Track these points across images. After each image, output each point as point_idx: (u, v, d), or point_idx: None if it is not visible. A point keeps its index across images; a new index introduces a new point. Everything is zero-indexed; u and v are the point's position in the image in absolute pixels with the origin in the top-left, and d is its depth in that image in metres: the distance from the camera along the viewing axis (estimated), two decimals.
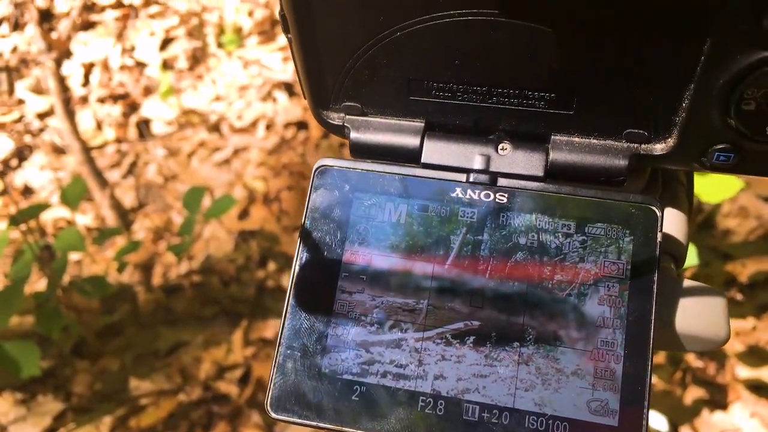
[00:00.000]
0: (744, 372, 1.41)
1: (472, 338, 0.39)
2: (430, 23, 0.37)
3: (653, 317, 0.37)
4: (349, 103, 0.43)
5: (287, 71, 2.20)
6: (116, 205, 1.92)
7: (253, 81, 2.19)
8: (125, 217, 1.93)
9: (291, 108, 2.10)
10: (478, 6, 0.36)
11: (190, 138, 2.10)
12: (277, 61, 2.23)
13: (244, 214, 1.89)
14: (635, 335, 0.37)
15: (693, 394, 1.40)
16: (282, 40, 2.29)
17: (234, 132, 2.09)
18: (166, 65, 2.30)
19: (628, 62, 0.36)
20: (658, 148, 0.40)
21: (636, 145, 0.40)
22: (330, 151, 1.98)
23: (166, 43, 2.38)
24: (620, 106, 0.39)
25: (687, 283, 0.42)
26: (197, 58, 2.31)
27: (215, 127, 2.11)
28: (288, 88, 2.16)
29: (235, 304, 1.72)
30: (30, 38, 2.42)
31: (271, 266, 1.78)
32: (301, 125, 2.06)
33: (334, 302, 0.40)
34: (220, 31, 2.36)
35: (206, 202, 1.82)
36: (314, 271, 0.41)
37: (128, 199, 1.99)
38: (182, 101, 2.18)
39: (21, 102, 2.29)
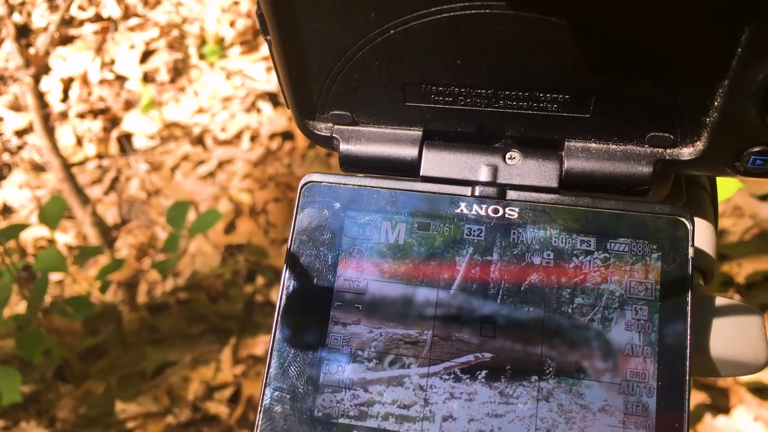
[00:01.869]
0: (746, 375, 1.38)
1: (483, 373, 0.34)
2: (429, 19, 0.33)
3: (689, 343, 0.33)
4: (338, 112, 0.38)
5: (271, 81, 2.16)
6: (98, 223, 1.87)
7: (237, 92, 2.15)
8: (108, 234, 1.88)
9: (276, 118, 2.06)
10: None
11: (173, 151, 2.05)
12: (261, 71, 2.18)
13: (230, 228, 1.85)
14: (669, 364, 0.33)
15: (694, 398, 1.37)
16: (266, 49, 2.25)
17: (218, 144, 2.04)
18: (147, 78, 2.25)
19: (653, 57, 0.32)
20: (686, 152, 0.36)
21: (661, 150, 0.36)
22: (317, 161, 1.93)
23: (146, 55, 2.34)
24: (643, 107, 0.34)
25: (719, 300, 0.38)
26: (179, 70, 2.27)
27: (199, 140, 2.06)
28: (272, 98, 2.12)
29: (223, 320, 1.67)
30: (7, 54, 2.37)
31: (260, 280, 1.73)
32: (287, 135, 2.02)
33: (326, 336, 0.36)
34: (202, 42, 2.31)
35: (191, 216, 1.77)
36: (303, 301, 0.36)
37: (110, 216, 1.94)
38: (164, 114, 2.13)
39: None
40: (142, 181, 2.00)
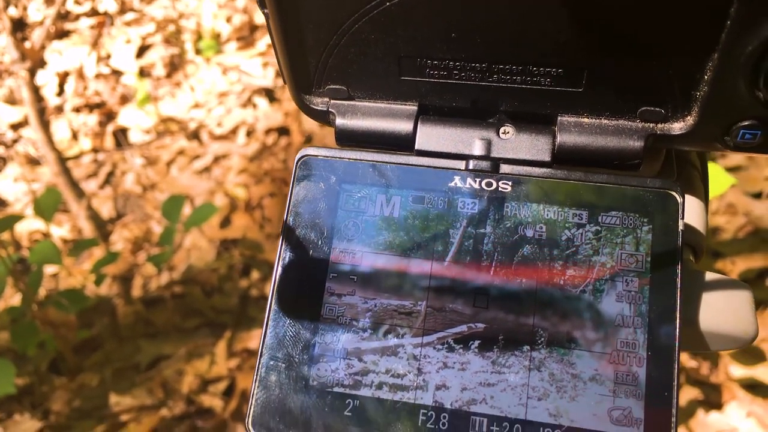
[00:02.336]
0: (738, 371, 1.38)
1: (476, 343, 0.35)
2: None
3: (678, 314, 0.34)
4: (334, 86, 0.39)
5: (267, 77, 2.16)
6: (93, 216, 1.87)
7: (233, 87, 2.15)
8: (103, 228, 1.88)
9: (272, 114, 2.06)
10: None
11: (169, 146, 2.05)
12: (257, 66, 2.18)
13: (225, 222, 1.85)
14: (659, 335, 0.34)
15: (687, 394, 1.37)
16: (261, 45, 2.25)
17: (214, 139, 2.04)
18: (143, 73, 2.25)
19: (644, 31, 0.33)
20: (677, 127, 0.36)
21: (652, 125, 0.36)
22: None
23: (142, 50, 2.34)
24: (634, 81, 0.35)
25: (709, 275, 0.38)
26: (175, 65, 2.27)
27: (194, 135, 2.06)
28: (268, 93, 2.12)
29: (218, 314, 1.67)
30: (2, 48, 2.36)
31: (255, 275, 1.73)
32: (283, 131, 2.02)
33: (321, 306, 0.36)
34: (198, 37, 2.31)
35: (186, 210, 1.77)
36: (299, 273, 0.37)
37: (106, 210, 1.93)
38: (160, 109, 2.13)
39: None
40: (138, 175, 2.00)
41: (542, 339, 0.34)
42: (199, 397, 1.53)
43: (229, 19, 2.34)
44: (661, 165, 0.41)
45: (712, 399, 1.38)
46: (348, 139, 0.40)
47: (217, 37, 2.30)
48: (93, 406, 1.55)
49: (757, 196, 1.58)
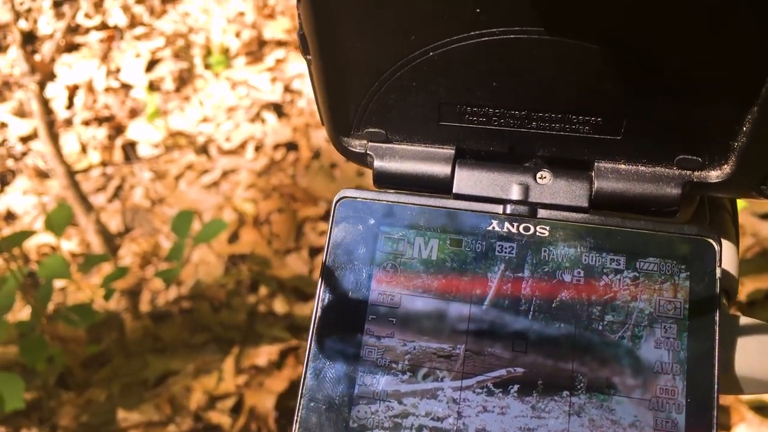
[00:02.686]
0: None
1: (516, 387, 0.35)
2: (468, 42, 0.34)
3: (717, 361, 0.34)
4: (373, 129, 0.39)
5: (276, 92, 2.17)
6: (102, 230, 1.87)
7: (242, 102, 2.16)
8: (111, 242, 1.88)
9: (280, 129, 2.07)
10: (521, 23, 0.32)
11: (178, 160, 2.06)
12: (266, 81, 2.19)
13: (233, 238, 1.85)
14: (697, 381, 0.34)
15: None
16: (270, 60, 2.26)
17: (222, 154, 2.05)
18: (153, 87, 2.26)
19: (684, 81, 0.33)
20: (713, 175, 0.37)
21: (689, 173, 0.37)
22: (321, 172, 1.94)
23: (152, 64, 2.35)
24: (673, 130, 0.35)
25: (743, 320, 0.38)
26: (184, 80, 2.28)
27: (203, 149, 2.07)
28: (277, 109, 2.13)
29: (225, 330, 1.67)
30: (13, 60, 2.38)
31: (263, 291, 1.73)
32: (291, 146, 2.03)
33: (361, 348, 0.36)
34: (207, 52, 2.32)
35: (195, 225, 1.77)
36: (338, 314, 0.37)
37: (114, 224, 1.94)
38: (169, 123, 2.14)
39: (3, 125, 2.24)
40: (146, 189, 2.01)
41: (581, 384, 0.35)
42: (206, 414, 1.53)
43: (238, 34, 2.35)
44: (694, 211, 0.42)
45: (722, 420, 1.38)
46: (386, 181, 0.40)
47: (226, 52, 2.31)
48: (100, 421, 1.54)
49: (766, 217, 1.59)
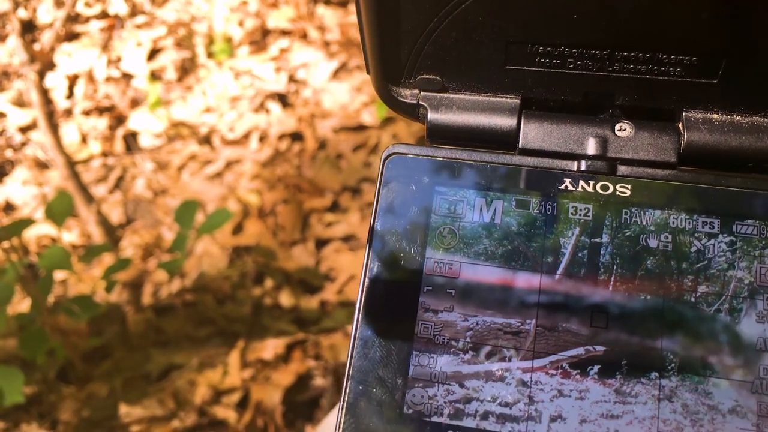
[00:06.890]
0: None
1: (596, 368, 0.30)
2: None
3: None
4: (427, 76, 0.35)
5: (280, 81, 2.12)
6: (103, 221, 1.82)
7: (245, 92, 2.11)
8: (113, 233, 1.83)
9: (285, 119, 2.02)
10: None
11: (180, 151, 2.01)
12: (270, 71, 2.15)
13: (238, 229, 1.81)
14: None
15: None
16: (274, 49, 2.22)
17: (226, 144, 2.00)
18: (154, 76, 2.21)
19: None
20: None
21: None
22: (327, 163, 1.90)
23: (153, 53, 2.30)
24: None
25: None
26: (186, 69, 2.23)
27: (206, 140, 2.02)
28: (281, 98, 2.08)
29: (230, 323, 1.63)
30: (12, 50, 2.33)
31: (268, 283, 1.69)
32: (296, 137, 1.98)
33: (415, 324, 0.32)
34: (210, 41, 2.28)
35: (199, 217, 1.73)
36: (389, 286, 0.33)
37: (115, 215, 1.89)
38: (171, 113, 2.09)
39: (2, 115, 2.19)
40: (148, 180, 1.96)
41: (673, 365, 0.30)
42: (211, 409, 1.49)
43: (241, 23, 2.30)
44: None
45: None
46: (441, 135, 0.35)
47: (229, 41, 2.26)
48: (102, 416, 1.50)
49: None
